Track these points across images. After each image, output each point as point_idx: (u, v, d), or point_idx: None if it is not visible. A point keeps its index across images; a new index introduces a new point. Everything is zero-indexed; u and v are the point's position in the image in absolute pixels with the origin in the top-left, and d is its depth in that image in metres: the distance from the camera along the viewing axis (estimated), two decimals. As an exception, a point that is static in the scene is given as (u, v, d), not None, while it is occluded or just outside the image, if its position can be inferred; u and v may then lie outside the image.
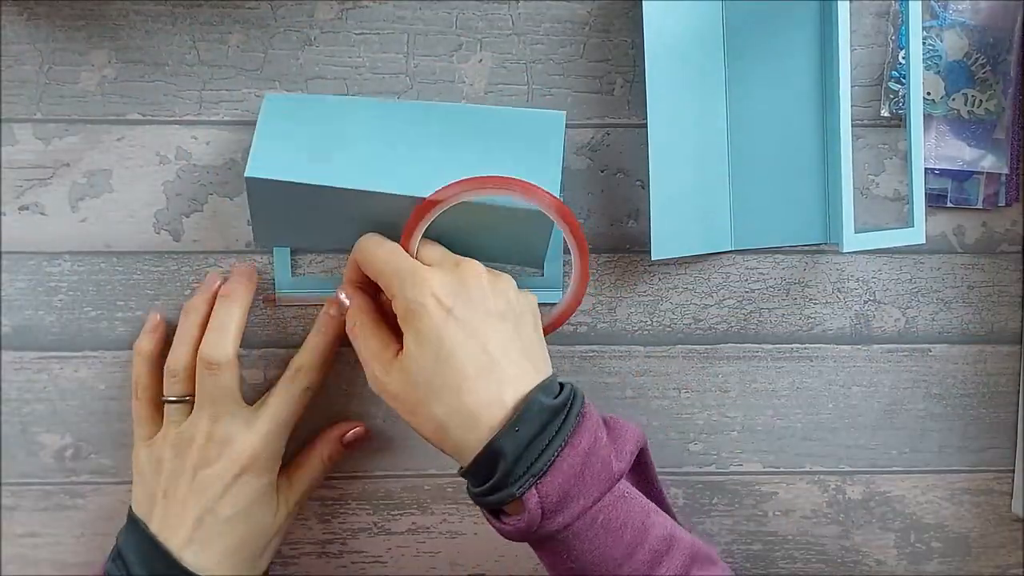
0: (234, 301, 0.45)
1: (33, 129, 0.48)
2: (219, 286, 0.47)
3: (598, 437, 0.40)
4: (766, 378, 0.52)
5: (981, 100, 0.50)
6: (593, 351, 0.51)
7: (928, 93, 0.50)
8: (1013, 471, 0.53)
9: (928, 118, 0.50)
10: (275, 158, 0.43)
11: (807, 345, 0.52)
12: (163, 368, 0.46)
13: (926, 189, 0.51)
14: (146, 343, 0.47)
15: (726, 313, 0.51)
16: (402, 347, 0.40)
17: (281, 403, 0.46)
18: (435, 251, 0.43)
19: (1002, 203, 0.51)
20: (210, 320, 0.45)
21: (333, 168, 0.43)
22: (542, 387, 0.40)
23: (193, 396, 0.45)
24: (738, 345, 0.51)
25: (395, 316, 0.41)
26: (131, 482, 0.47)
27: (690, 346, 0.51)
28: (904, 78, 0.49)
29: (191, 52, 0.48)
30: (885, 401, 0.52)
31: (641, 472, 0.44)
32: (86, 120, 0.48)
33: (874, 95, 0.51)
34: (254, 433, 0.44)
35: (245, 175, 0.43)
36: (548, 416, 0.39)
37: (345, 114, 0.45)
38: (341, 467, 0.50)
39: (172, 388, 0.45)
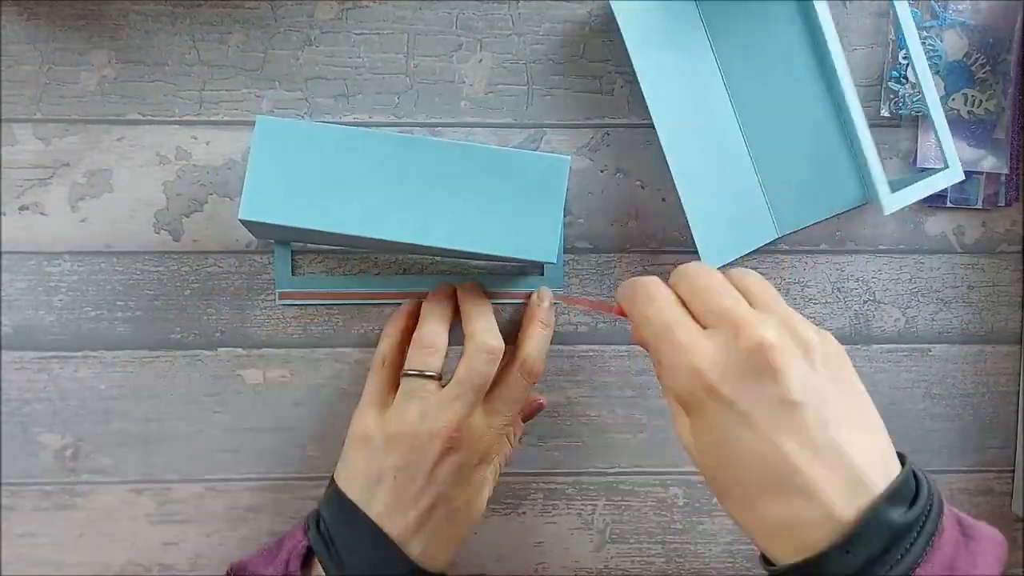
0: (479, 293, 0.46)
1: (33, 129, 0.48)
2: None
3: (956, 554, 0.31)
4: (766, 378, 0.51)
5: (981, 100, 0.50)
6: (593, 351, 0.51)
7: (928, 93, 0.50)
8: (1013, 471, 0.53)
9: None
10: (269, 196, 0.41)
11: (807, 345, 0.52)
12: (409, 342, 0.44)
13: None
14: (400, 321, 0.47)
15: (726, 313, 0.51)
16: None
17: (511, 399, 0.44)
18: (716, 297, 0.34)
19: (1002, 203, 0.51)
20: (465, 308, 0.45)
21: (330, 210, 0.42)
22: (894, 495, 0.31)
23: (437, 375, 0.43)
24: (738, 345, 0.51)
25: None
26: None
27: (690, 346, 0.51)
28: (904, 78, 0.50)
29: (191, 52, 0.48)
30: (885, 401, 0.52)
31: None
32: (86, 120, 0.48)
33: (874, 95, 0.51)
34: (491, 429, 0.43)
35: (239, 217, 0.41)
36: (893, 536, 0.30)
37: (342, 147, 0.42)
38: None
39: (422, 361, 0.43)
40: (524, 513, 0.52)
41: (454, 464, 0.41)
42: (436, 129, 0.49)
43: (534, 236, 0.43)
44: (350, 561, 0.40)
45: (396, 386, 0.44)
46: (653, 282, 0.36)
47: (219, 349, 0.50)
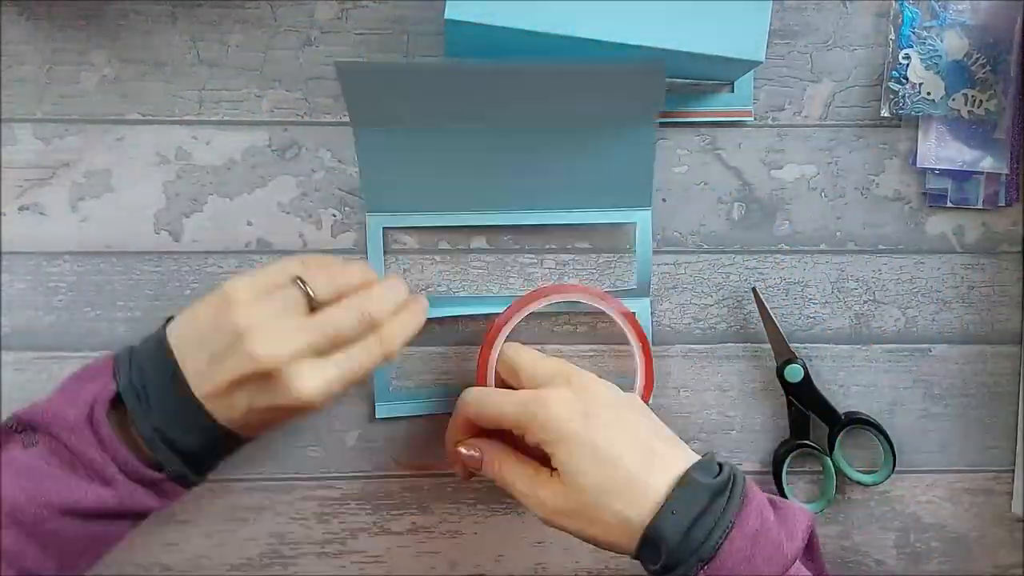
0: (415, 315, 0.43)
1: (33, 129, 0.48)
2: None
3: (765, 517, 0.39)
4: (766, 378, 0.51)
5: (981, 100, 0.50)
6: (594, 351, 0.51)
7: (928, 93, 0.50)
8: (1013, 471, 0.53)
9: (928, 118, 0.50)
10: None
11: (807, 345, 0.52)
12: (318, 272, 0.41)
13: (926, 189, 0.51)
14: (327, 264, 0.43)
15: (725, 313, 0.51)
16: (553, 468, 0.41)
17: (355, 366, 0.41)
18: (528, 358, 0.45)
19: (1002, 203, 0.51)
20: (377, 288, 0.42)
21: (534, 9, 0.41)
22: (700, 466, 0.40)
23: (313, 305, 0.40)
24: (738, 345, 0.51)
25: (530, 450, 0.42)
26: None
27: (690, 346, 0.51)
28: (904, 78, 0.50)
29: (191, 52, 0.48)
30: (885, 401, 0.52)
31: (809, 554, 0.42)
32: (86, 120, 0.48)
33: (874, 95, 0.51)
34: (311, 382, 0.39)
35: (446, 17, 0.40)
36: (709, 497, 0.38)
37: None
38: (341, 467, 0.50)
39: (319, 283, 0.40)
40: (524, 513, 0.52)
41: (256, 391, 0.39)
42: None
43: (743, 35, 0.43)
44: (158, 410, 0.39)
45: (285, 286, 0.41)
46: (471, 393, 0.44)
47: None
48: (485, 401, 0.43)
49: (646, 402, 0.47)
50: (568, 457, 0.40)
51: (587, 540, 0.41)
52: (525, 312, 0.48)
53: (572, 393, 0.41)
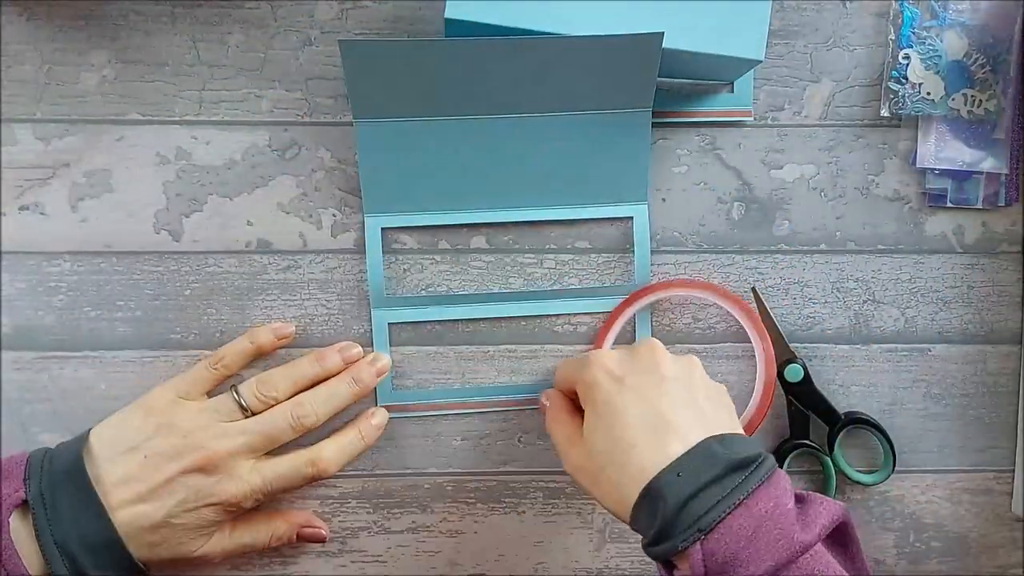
0: (340, 386, 0.47)
1: (33, 129, 0.48)
2: (354, 358, 0.48)
3: (781, 503, 0.37)
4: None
5: (981, 100, 0.50)
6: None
7: (928, 93, 0.50)
8: (1013, 471, 0.53)
9: (928, 118, 0.50)
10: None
11: (806, 345, 0.52)
12: (253, 370, 0.46)
13: (926, 189, 0.51)
14: (267, 339, 0.48)
15: (726, 313, 0.51)
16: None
17: (283, 479, 0.45)
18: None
19: (1002, 203, 0.51)
20: (319, 391, 0.46)
21: (532, 8, 0.42)
22: (719, 439, 0.38)
23: (250, 414, 0.45)
24: (738, 345, 0.51)
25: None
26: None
27: (690, 346, 0.51)
28: (904, 78, 0.50)
29: (191, 52, 0.48)
30: (885, 401, 0.52)
31: (843, 551, 0.40)
32: (86, 120, 0.48)
33: (874, 95, 0.51)
34: (247, 484, 0.44)
35: (445, 16, 0.42)
36: (722, 470, 0.37)
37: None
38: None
39: (251, 399, 0.45)
40: (524, 513, 0.52)
41: (194, 487, 0.43)
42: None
43: (742, 34, 0.44)
44: (66, 523, 0.41)
45: (212, 388, 0.46)
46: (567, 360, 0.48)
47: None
48: (564, 365, 0.47)
49: (766, 404, 0.49)
50: (589, 418, 0.41)
51: (608, 509, 0.41)
52: (644, 302, 0.50)
53: (619, 358, 0.42)
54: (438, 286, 0.50)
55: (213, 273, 0.49)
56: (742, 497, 0.36)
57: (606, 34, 0.43)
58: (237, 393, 0.45)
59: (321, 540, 0.50)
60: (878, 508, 0.53)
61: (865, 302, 0.52)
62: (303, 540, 0.49)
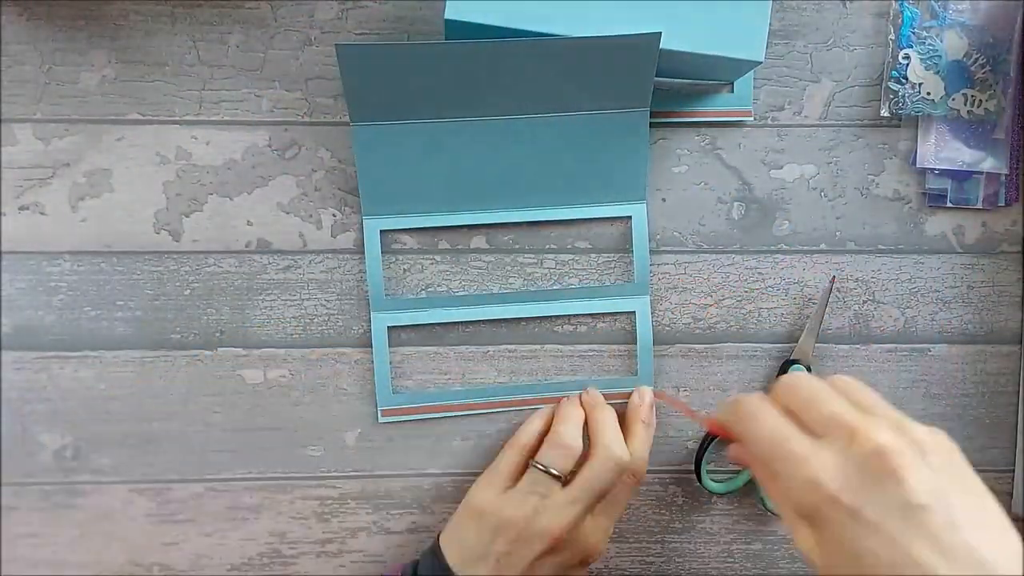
0: (604, 403, 0.48)
1: (33, 129, 0.48)
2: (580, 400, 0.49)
3: None
4: (766, 378, 0.51)
5: (981, 100, 0.50)
6: (593, 351, 0.51)
7: (928, 93, 0.50)
8: (1013, 471, 0.53)
9: (928, 118, 0.50)
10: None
11: (807, 345, 0.52)
12: (548, 450, 0.45)
13: (926, 189, 0.51)
14: (547, 416, 0.49)
15: (725, 313, 0.51)
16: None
17: (618, 506, 0.46)
18: (824, 407, 0.33)
19: (1002, 203, 0.51)
20: (594, 415, 0.47)
21: (533, 9, 0.42)
22: None
23: (563, 476, 0.44)
24: (738, 345, 0.51)
25: None
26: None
27: (690, 346, 0.51)
28: (904, 78, 0.50)
29: (191, 52, 0.48)
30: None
31: None
32: (86, 120, 0.48)
33: (874, 95, 0.51)
34: (599, 531, 0.45)
35: (445, 17, 0.42)
36: None
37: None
38: (341, 467, 0.51)
39: (554, 459, 0.44)
40: (524, 513, 0.52)
41: (555, 564, 0.43)
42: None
43: (742, 35, 0.44)
44: None
45: (522, 472, 0.46)
46: (757, 399, 0.35)
47: (219, 349, 0.50)
48: (756, 423, 0.34)
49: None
50: (822, 551, 0.31)
51: None
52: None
53: (841, 467, 0.31)
54: (438, 286, 0.50)
55: (213, 273, 0.49)
56: None
57: (604, 35, 0.43)
58: (542, 465, 0.44)
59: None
60: (878, 508, 0.53)
61: (865, 302, 0.52)
62: None
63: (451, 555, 0.44)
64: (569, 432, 0.45)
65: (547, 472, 0.44)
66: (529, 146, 0.47)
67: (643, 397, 0.49)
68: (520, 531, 0.43)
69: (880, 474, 0.30)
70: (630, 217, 0.50)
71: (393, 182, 0.48)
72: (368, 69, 0.43)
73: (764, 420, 0.34)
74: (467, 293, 0.50)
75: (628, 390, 0.50)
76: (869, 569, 0.30)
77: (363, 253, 0.50)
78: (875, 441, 0.31)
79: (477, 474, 0.50)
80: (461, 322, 0.50)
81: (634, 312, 0.50)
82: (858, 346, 0.52)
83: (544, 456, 0.45)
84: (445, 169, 0.48)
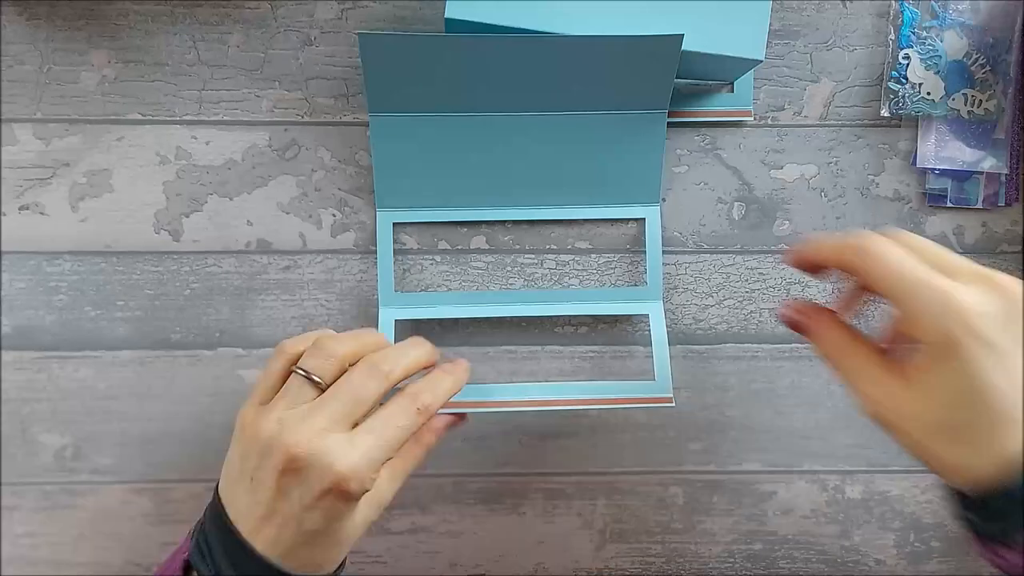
0: (453, 376, 0.41)
1: (33, 129, 0.48)
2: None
3: None
4: (766, 378, 0.52)
5: (981, 100, 0.50)
6: (593, 352, 0.51)
7: (928, 93, 0.50)
8: (1013, 471, 0.53)
9: (928, 118, 0.50)
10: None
11: (807, 345, 0.51)
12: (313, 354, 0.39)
13: (926, 189, 0.51)
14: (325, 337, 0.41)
15: (726, 313, 0.51)
16: (899, 363, 0.35)
17: (387, 424, 0.39)
18: (952, 257, 0.35)
19: (1002, 203, 0.51)
20: (381, 349, 0.40)
21: (532, 8, 0.42)
22: None
23: (323, 384, 0.38)
24: (738, 345, 0.51)
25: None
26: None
27: (690, 346, 0.51)
28: (904, 78, 0.50)
29: (191, 52, 0.48)
30: (885, 401, 0.52)
31: None
32: (86, 120, 0.48)
33: (874, 95, 0.51)
34: (346, 459, 0.37)
35: (446, 16, 0.42)
36: None
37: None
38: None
39: (316, 364, 0.38)
40: (524, 513, 0.52)
41: (303, 490, 0.37)
42: (436, 129, 0.49)
43: (742, 34, 0.44)
44: (221, 563, 0.38)
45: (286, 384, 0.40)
46: (883, 238, 0.35)
47: (219, 349, 0.50)
48: (886, 257, 0.34)
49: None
50: (940, 381, 0.33)
51: (927, 462, 0.35)
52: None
53: (997, 310, 0.33)
54: (438, 286, 0.50)
55: (213, 273, 0.49)
56: None
57: (625, 34, 0.43)
58: (303, 370, 0.39)
59: (464, 421, 0.45)
60: (878, 508, 0.53)
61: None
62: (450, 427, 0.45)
63: (223, 486, 0.39)
64: (337, 341, 0.39)
65: (307, 377, 0.38)
66: (545, 144, 0.47)
67: (457, 363, 0.43)
68: (263, 444, 0.37)
69: (1019, 317, 0.32)
70: (643, 219, 0.50)
71: (408, 175, 0.48)
72: (390, 59, 0.43)
73: (897, 256, 0.34)
74: (469, 292, 0.50)
75: (644, 395, 0.48)
76: (990, 404, 0.32)
77: (363, 253, 0.50)
78: (1014, 289, 0.33)
79: (477, 474, 0.50)
80: (461, 322, 0.50)
81: (647, 315, 0.50)
82: (858, 346, 0.52)
83: (304, 361, 0.39)
84: (462, 163, 0.48)
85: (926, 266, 0.34)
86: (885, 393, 0.35)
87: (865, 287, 0.36)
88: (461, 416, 0.45)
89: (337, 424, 0.37)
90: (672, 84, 0.46)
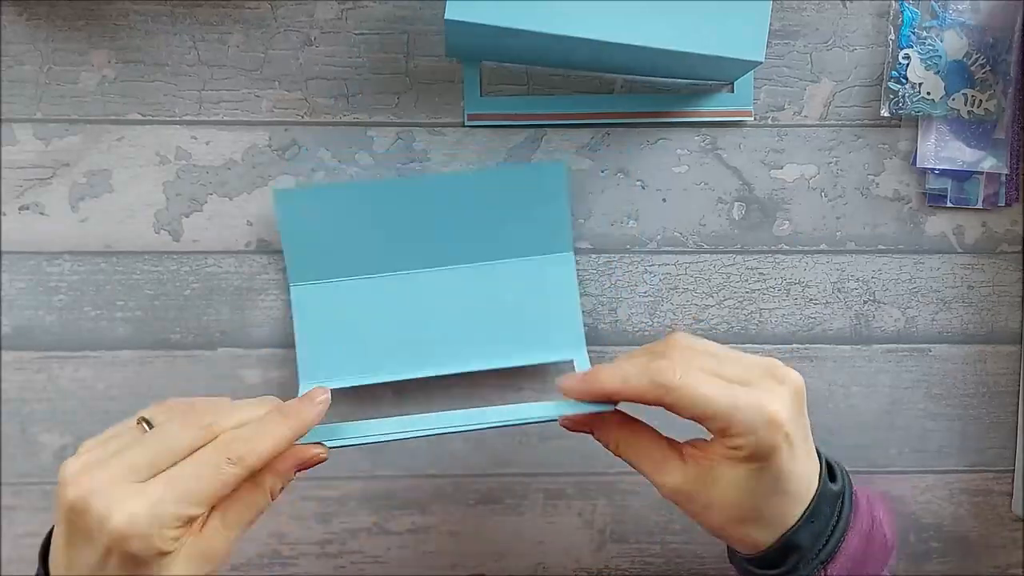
0: (289, 419, 0.36)
1: (33, 129, 0.48)
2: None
3: (875, 517, 0.39)
4: (766, 378, 0.51)
5: (981, 100, 0.50)
6: (594, 352, 0.51)
7: (928, 93, 0.50)
8: (1013, 471, 0.53)
9: (928, 118, 0.50)
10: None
11: (807, 345, 0.52)
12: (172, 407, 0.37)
13: (926, 189, 0.51)
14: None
15: (726, 313, 0.51)
16: (678, 449, 0.38)
17: (190, 483, 0.34)
18: (736, 358, 0.37)
19: (1002, 203, 0.51)
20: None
21: (534, 9, 0.42)
22: (827, 475, 0.38)
23: (147, 426, 0.36)
24: (738, 345, 0.51)
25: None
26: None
27: (690, 346, 0.51)
28: (904, 78, 0.50)
29: (191, 52, 0.48)
30: (885, 401, 0.52)
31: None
32: (86, 120, 0.48)
33: (874, 95, 0.51)
34: (126, 510, 0.32)
35: (446, 17, 0.41)
36: (833, 503, 0.38)
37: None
38: (341, 467, 0.50)
39: (156, 413, 0.36)
40: (524, 513, 0.52)
41: (86, 541, 0.33)
42: (435, 129, 0.49)
43: (742, 35, 0.44)
44: None
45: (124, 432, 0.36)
46: (669, 365, 0.36)
47: (219, 349, 0.50)
48: (697, 386, 0.35)
49: None
50: (752, 477, 0.36)
51: (699, 522, 0.38)
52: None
53: (793, 408, 0.36)
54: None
55: (213, 273, 0.49)
56: (849, 521, 0.38)
57: (508, 165, 0.45)
58: (146, 421, 0.36)
59: (322, 460, 0.38)
60: (878, 508, 0.53)
61: (866, 302, 0.52)
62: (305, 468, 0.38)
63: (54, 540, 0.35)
64: (200, 399, 0.37)
65: (140, 423, 0.35)
66: (460, 299, 0.48)
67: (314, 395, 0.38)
68: (58, 485, 0.33)
69: (802, 406, 0.37)
70: (571, 361, 0.49)
71: (332, 345, 0.48)
72: (304, 215, 0.46)
73: (703, 386, 0.35)
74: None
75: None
76: (793, 480, 0.36)
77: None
78: (793, 377, 0.37)
79: (477, 474, 0.50)
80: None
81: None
82: (859, 346, 0.52)
83: (150, 408, 0.36)
84: (384, 327, 0.48)
85: (724, 381, 0.36)
86: (684, 481, 0.37)
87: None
88: (318, 453, 0.38)
89: (134, 472, 0.33)
90: (570, 220, 0.48)
